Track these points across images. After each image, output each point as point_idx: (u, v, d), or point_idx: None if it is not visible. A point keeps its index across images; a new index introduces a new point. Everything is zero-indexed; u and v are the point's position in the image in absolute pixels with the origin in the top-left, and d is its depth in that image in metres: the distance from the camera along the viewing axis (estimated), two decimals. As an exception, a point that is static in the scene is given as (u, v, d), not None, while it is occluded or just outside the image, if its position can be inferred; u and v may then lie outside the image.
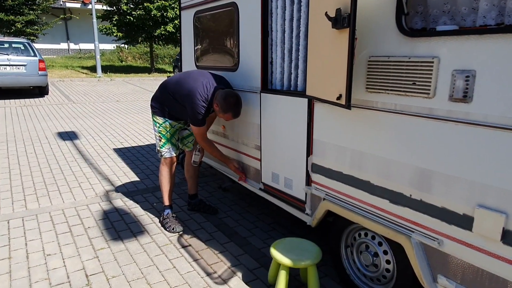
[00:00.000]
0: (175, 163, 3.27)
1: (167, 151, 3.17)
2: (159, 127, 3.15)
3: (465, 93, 1.54)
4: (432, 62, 1.64)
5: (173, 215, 3.27)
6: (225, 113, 2.87)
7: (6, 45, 10.17)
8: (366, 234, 2.25)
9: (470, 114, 1.54)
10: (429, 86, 1.66)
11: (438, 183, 1.70)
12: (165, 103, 3.08)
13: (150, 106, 3.22)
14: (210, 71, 3.17)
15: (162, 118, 3.12)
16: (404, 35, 1.75)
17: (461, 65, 1.56)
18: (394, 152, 1.87)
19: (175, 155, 3.22)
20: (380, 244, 2.18)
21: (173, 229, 3.13)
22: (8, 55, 9.75)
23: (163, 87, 3.11)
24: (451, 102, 1.60)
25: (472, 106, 1.53)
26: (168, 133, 3.15)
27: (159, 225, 3.25)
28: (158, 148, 3.20)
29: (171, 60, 21.83)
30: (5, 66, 9.59)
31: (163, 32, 16.39)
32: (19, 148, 5.55)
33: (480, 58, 1.49)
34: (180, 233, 3.14)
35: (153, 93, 3.20)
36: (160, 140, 3.17)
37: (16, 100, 9.85)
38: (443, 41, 1.61)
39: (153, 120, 3.19)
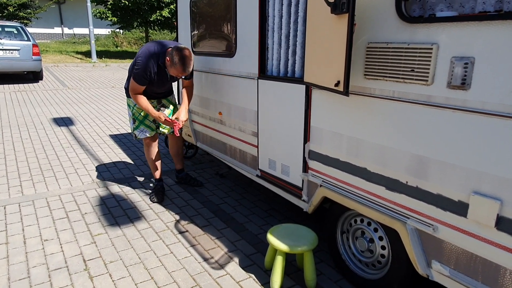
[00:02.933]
0: (155, 141, 3.43)
1: (140, 132, 3.34)
2: (132, 109, 3.31)
3: (463, 80, 1.54)
4: (431, 48, 1.63)
5: (160, 187, 3.50)
6: (174, 66, 2.87)
7: (-1, 29, 10.00)
8: (362, 220, 2.28)
9: (468, 101, 1.54)
10: (428, 73, 1.66)
11: (434, 170, 1.71)
12: None
13: (124, 89, 3.37)
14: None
15: (133, 101, 3.22)
16: (403, 21, 1.73)
17: (460, 52, 1.55)
18: (391, 139, 1.88)
19: (150, 135, 3.37)
20: (375, 230, 2.20)
21: (151, 198, 3.44)
22: (1, 39, 9.59)
23: (130, 66, 3.20)
24: (449, 89, 1.60)
25: (470, 94, 1.53)
26: (141, 115, 3.30)
27: (156, 211, 3.27)
28: (132, 130, 3.37)
29: (167, 46, 21.56)
30: (-2, 51, 9.45)
31: (158, 17, 16.17)
32: (14, 134, 5.51)
33: (479, 45, 1.49)
34: (157, 203, 3.41)
35: None
36: (134, 123, 3.33)
37: (10, 85, 9.74)
38: (443, 28, 1.59)
39: (127, 103, 3.35)
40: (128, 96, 3.28)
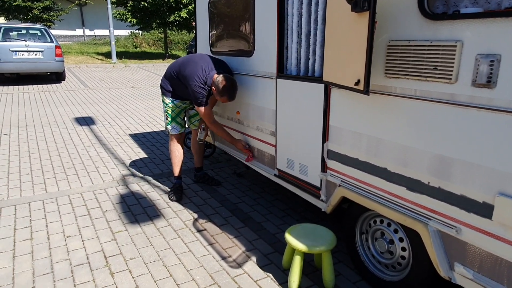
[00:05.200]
0: (181, 139, 3.58)
1: (172, 129, 3.50)
2: (166, 107, 3.48)
3: (489, 78, 1.50)
4: (455, 46, 1.59)
5: (178, 185, 3.58)
6: (221, 96, 3.12)
7: (24, 31, 10.30)
8: (381, 221, 2.24)
9: (494, 100, 1.50)
10: (451, 71, 1.62)
11: (458, 171, 1.67)
12: (171, 83, 3.38)
13: (159, 87, 3.55)
14: (210, 55, 3.40)
15: (169, 99, 3.43)
16: (426, 18, 1.70)
17: (485, 49, 1.51)
18: (413, 139, 1.84)
19: (180, 132, 3.53)
20: (395, 231, 2.17)
21: (169, 197, 3.51)
22: (26, 41, 9.89)
23: (169, 68, 3.40)
24: (474, 88, 1.56)
25: (496, 92, 1.49)
26: (174, 112, 3.47)
27: (175, 209, 3.30)
28: (165, 126, 3.57)
29: (185, 46, 21.80)
30: (23, 52, 9.74)
31: (177, 18, 16.34)
32: (38, 133, 5.67)
33: (505, 42, 1.44)
34: (175, 201, 3.47)
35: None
36: (166, 119, 3.52)
37: (34, 86, 10.03)
38: (467, 24, 1.55)
39: (162, 100, 3.51)
40: (162, 93, 3.48)
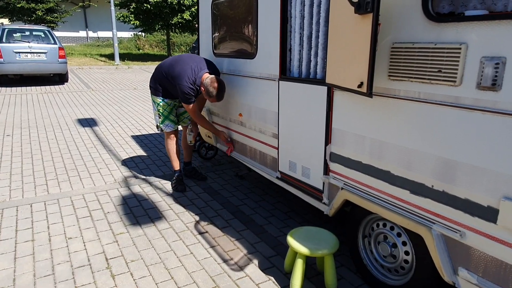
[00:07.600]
0: (176, 135, 3.74)
1: (166, 127, 3.65)
2: (157, 106, 3.59)
3: (494, 81, 1.48)
4: (460, 48, 1.58)
5: (180, 177, 3.75)
6: (210, 97, 3.25)
7: (27, 33, 10.35)
8: (384, 225, 2.23)
9: (499, 103, 1.48)
10: (456, 73, 1.60)
11: (462, 174, 1.65)
12: (160, 83, 3.47)
13: (148, 87, 3.66)
14: (199, 56, 3.55)
15: (159, 98, 3.54)
16: (430, 20, 1.69)
17: (490, 52, 1.49)
18: (417, 142, 1.83)
19: (174, 129, 3.69)
20: (399, 235, 2.15)
21: (175, 188, 3.67)
22: (29, 42, 9.93)
23: (158, 68, 3.49)
24: (479, 91, 1.54)
25: (501, 95, 1.47)
26: (166, 111, 3.60)
27: (176, 211, 3.29)
28: (158, 124, 3.68)
29: (187, 48, 21.85)
30: (26, 54, 9.79)
31: (180, 20, 16.40)
32: (41, 134, 5.68)
33: (510, 44, 1.43)
34: (180, 191, 3.64)
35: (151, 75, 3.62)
36: (159, 118, 3.63)
37: (37, 87, 10.06)
38: (472, 27, 1.54)
39: (152, 100, 3.62)
40: (152, 93, 3.56)
